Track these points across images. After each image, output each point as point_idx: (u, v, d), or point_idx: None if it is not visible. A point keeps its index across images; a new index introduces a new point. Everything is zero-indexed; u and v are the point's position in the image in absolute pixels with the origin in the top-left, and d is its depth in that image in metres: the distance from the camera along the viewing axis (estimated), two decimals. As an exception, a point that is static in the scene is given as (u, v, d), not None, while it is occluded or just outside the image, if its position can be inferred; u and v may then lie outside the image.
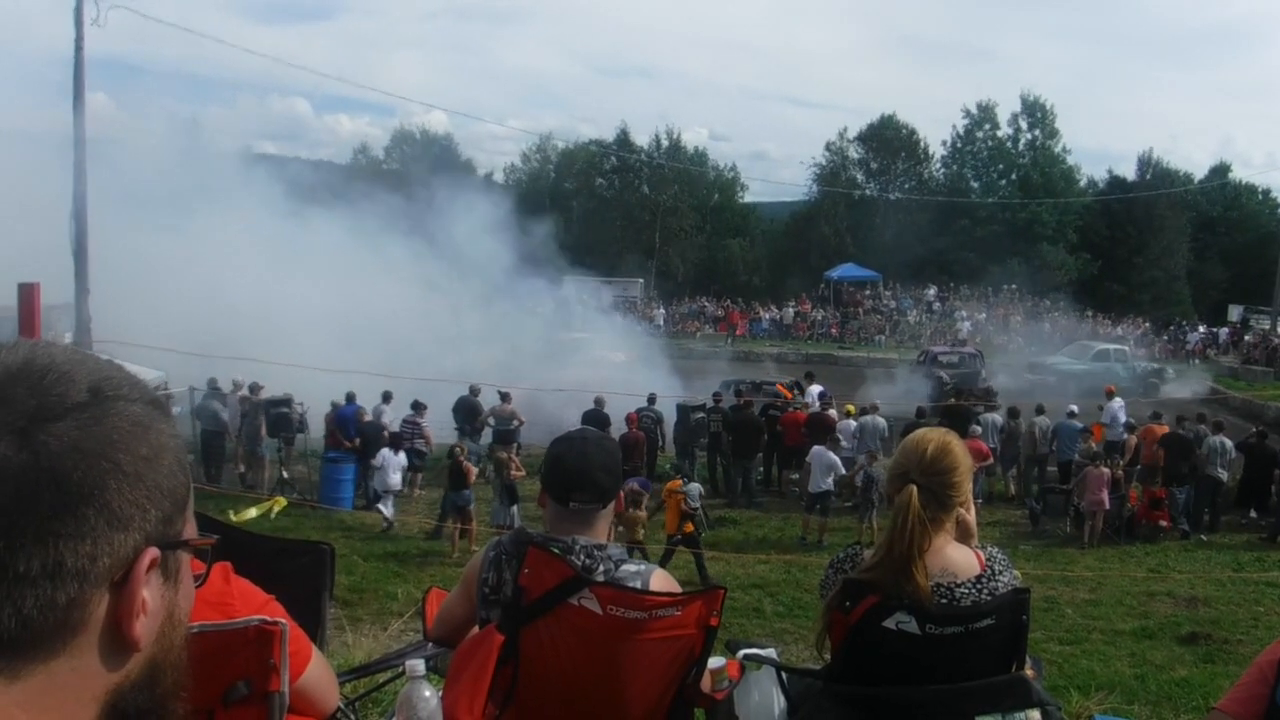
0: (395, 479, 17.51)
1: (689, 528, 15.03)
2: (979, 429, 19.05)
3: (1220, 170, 69.35)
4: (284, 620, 2.19)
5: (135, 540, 0.94)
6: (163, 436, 1.00)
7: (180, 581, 1.02)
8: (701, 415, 20.00)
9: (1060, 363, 28.45)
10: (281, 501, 17.23)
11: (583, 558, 2.72)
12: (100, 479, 0.92)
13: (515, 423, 19.63)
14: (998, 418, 20.54)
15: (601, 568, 2.72)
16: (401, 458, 17.61)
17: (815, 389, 22.96)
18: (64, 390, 0.95)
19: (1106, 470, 17.15)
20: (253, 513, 14.95)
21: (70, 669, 0.92)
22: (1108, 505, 16.96)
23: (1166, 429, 19.16)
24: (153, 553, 0.95)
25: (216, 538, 1.13)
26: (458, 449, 16.78)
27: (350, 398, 19.60)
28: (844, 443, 18.74)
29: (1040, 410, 20.49)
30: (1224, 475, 18.32)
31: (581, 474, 2.81)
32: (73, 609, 0.91)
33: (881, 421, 19.77)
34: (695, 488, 15.86)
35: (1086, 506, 17.01)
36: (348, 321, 37.37)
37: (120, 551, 0.93)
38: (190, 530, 1.05)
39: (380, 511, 17.21)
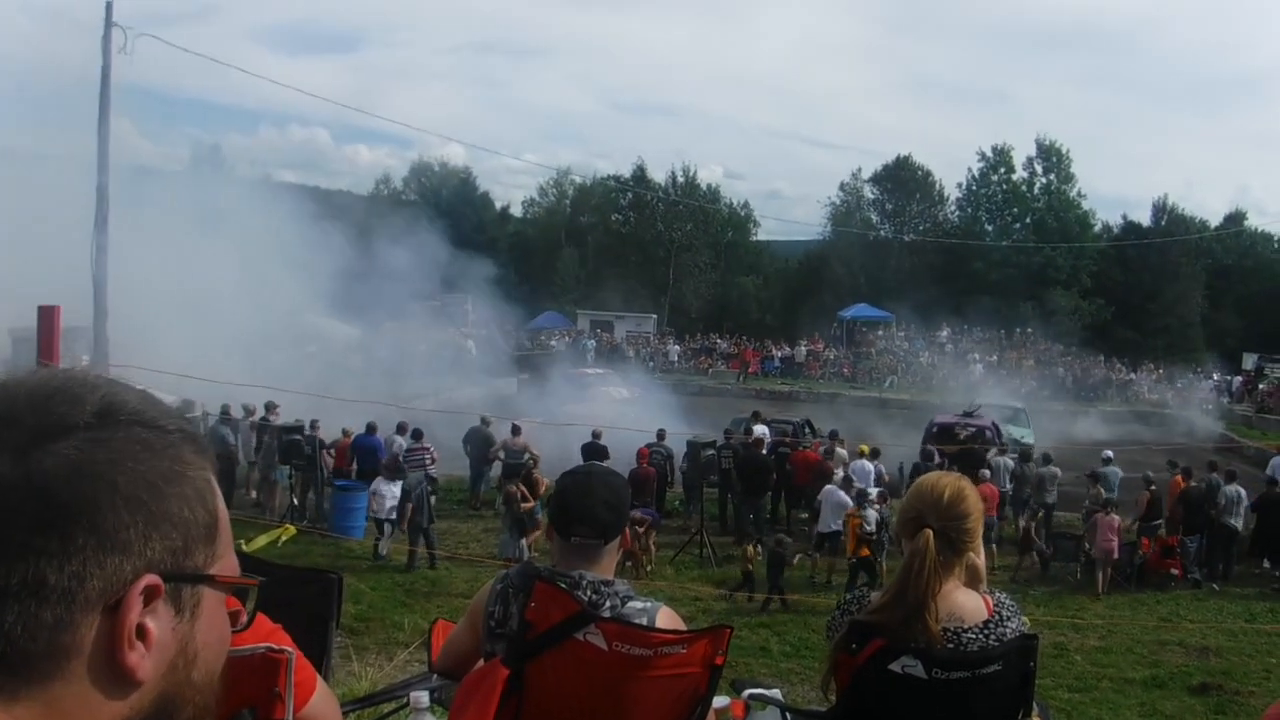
0: (391, 508, 17.50)
1: (865, 551, 15.77)
2: (988, 473, 18.92)
3: (1236, 218, 69.24)
4: (290, 649, 2.19)
5: (134, 565, 0.93)
6: (180, 465, 0.99)
7: (200, 616, 1.00)
8: (712, 452, 19.95)
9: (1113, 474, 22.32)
10: (291, 529, 17.26)
11: (589, 593, 2.72)
12: (94, 499, 0.91)
13: (526, 456, 19.64)
14: (1009, 461, 20.42)
15: (608, 603, 2.72)
16: (395, 488, 17.53)
17: (760, 429, 22.61)
18: (69, 411, 0.95)
19: (1116, 517, 17.03)
20: (263, 540, 14.97)
21: (71, 694, 0.91)
22: (1117, 553, 16.82)
23: (1186, 484, 19.00)
24: (150, 579, 0.93)
25: (260, 580, 1.12)
26: (515, 490, 16.80)
27: (371, 428, 19.64)
28: (857, 483, 18.62)
29: (1048, 459, 20.38)
30: (1239, 525, 18.19)
31: (584, 509, 2.81)
32: (61, 630, 0.90)
33: (879, 467, 19.99)
34: (873, 513, 16.22)
35: (1096, 554, 16.88)
36: (363, 353, 37.60)
37: (114, 575, 0.92)
38: (225, 567, 1.03)
39: (377, 543, 17.20)
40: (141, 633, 0.94)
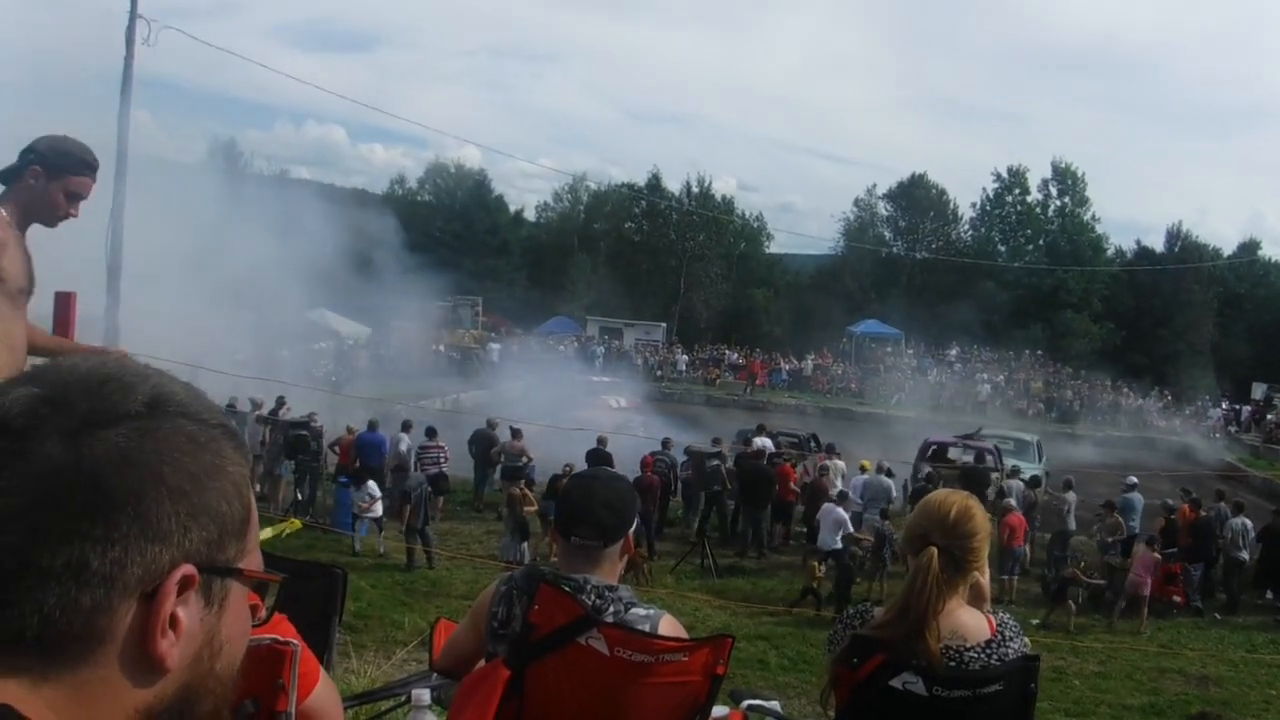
0: (378, 507, 17.61)
1: None
2: (1013, 501, 18.75)
3: (1249, 247, 69.08)
4: (295, 641, 2.20)
5: (172, 555, 0.94)
6: (221, 460, 1.00)
7: (226, 609, 1.01)
8: (716, 462, 19.95)
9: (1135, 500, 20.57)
10: (296, 523, 17.25)
11: (593, 598, 2.72)
12: (140, 488, 0.93)
13: (525, 459, 19.68)
14: (1019, 484, 20.30)
15: (611, 609, 2.72)
16: (373, 487, 17.69)
17: (763, 441, 22.57)
18: (121, 399, 0.96)
19: (1157, 555, 16.82)
20: (268, 533, 14.96)
21: (99, 679, 0.92)
22: (1148, 591, 16.60)
23: (1195, 513, 18.95)
24: (186, 569, 0.95)
25: (283, 577, 1.14)
26: (518, 493, 16.87)
27: (373, 425, 19.72)
28: (853, 497, 18.60)
29: (1068, 485, 20.30)
30: (1245, 556, 18.13)
31: (584, 510, 2.81)
32: (98, 614, 0.91)
33: (889, 482, 19.74)
34: None
35: (1128, 587, 16.60)
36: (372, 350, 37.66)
37: (153, 564, 0.93)
38: (251, 562, 1.04)
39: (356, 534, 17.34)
40: (173, 622, 0.95)
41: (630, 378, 42.88)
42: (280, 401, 20.45)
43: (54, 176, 3.56)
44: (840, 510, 17.12)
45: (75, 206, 3.68)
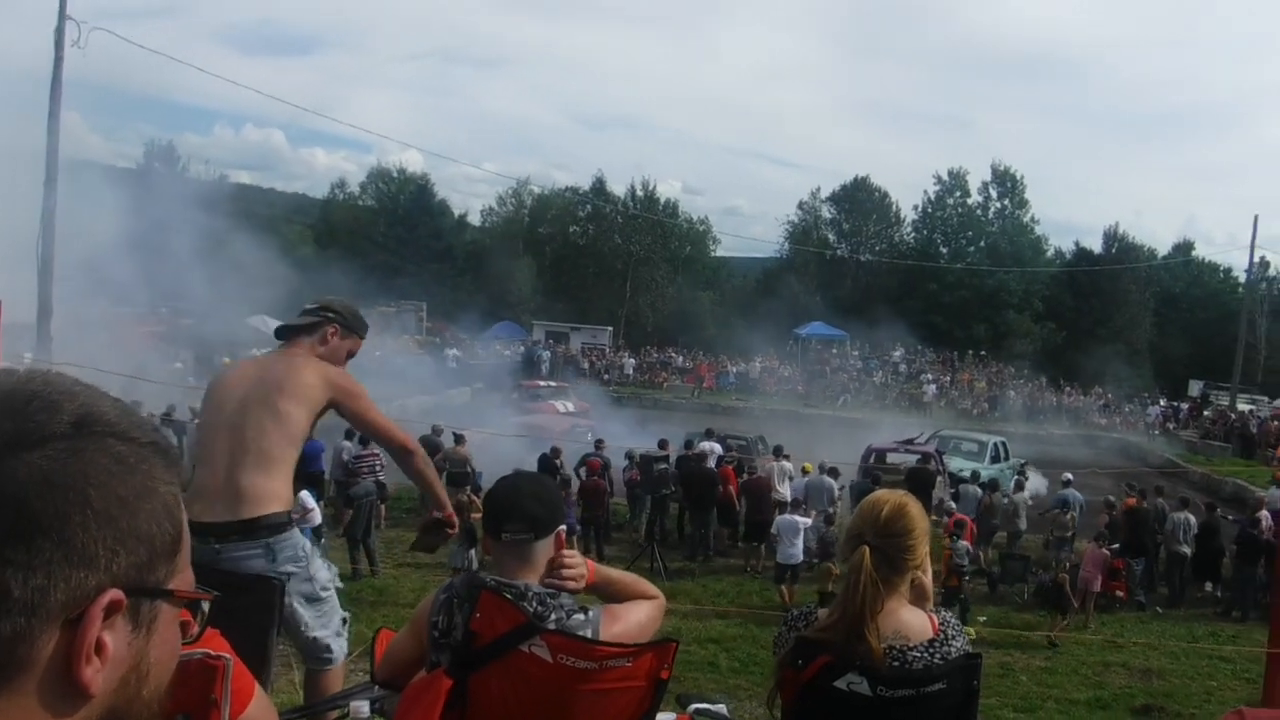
0: (314, 517, 17.39)
1: (955, 581, 15.61)
2: (955, 505, 18.92)
3: (1184, 248, 70.69)
4: (228, 655, 2.15)
5: (98, 580, 0.91)
6: (151, 480, 0.97)
7: (155, 631, 0.98)
8: (664, 466, 19.95)
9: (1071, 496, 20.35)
10: (235, 535, 17.05)
11: (535, 604, 2.69)
12: (64, 512, 0.90)
13: (468, 467, 19.57)
14: (976, 489, 20.49)
15: (554, 615, 2.69)
16: (306, 497, 17.50)
17: (710, 445, 22.50)
18: (45, 419, 0.93)
19: (1106, 551, 17.03)
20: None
21: (19, 707, 0.89)
22: (1098, 587, 16.81)
23: (1137, 505, 19.32)
24: (113, 594, 0.91)
25: (215, 594, 1.10)
26: (464, 499, 16.74)
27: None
28: (806, 504, 18.56)
29: (1020, 486, 20.57)
30: (1188, 551, 18.44)
31: (511, 504, 2.79)
32: (19, 642, 0.88)
33: (831, 482, 19.69)
34: (964, 545, 16.14)
35: (1079, 584, 16.75)
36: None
37: (78, 589, 0.90)
38: (182, 582, 1.01)
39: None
40: (99, 647, 0.92)
41: (577, 382, 42.82)
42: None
43: (346, 336, 4.30)
44: (798, 519, 17.07)
45: (347, 362, 4.36)
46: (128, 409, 1.01)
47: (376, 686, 3.11)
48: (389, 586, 16.00)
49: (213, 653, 2.13)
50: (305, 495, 17.43)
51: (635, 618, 2.85)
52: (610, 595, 2.94)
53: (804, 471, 20.19)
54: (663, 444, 21.08)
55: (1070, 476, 20.96)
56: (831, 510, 18.11)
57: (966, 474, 21.98)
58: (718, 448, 22.44)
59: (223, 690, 2.13)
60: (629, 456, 20.93)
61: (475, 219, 77.34)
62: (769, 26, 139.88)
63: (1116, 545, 17.72)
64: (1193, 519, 18.65)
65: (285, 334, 4.24)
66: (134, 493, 0.95)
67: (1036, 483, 22.17)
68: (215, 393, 3.89)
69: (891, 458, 24.00)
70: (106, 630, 0.92)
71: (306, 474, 18.49)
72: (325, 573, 3.97)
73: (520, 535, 2.77)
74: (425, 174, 70.29)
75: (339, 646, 4.17)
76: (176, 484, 1.02)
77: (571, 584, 2.84)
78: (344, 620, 4.08)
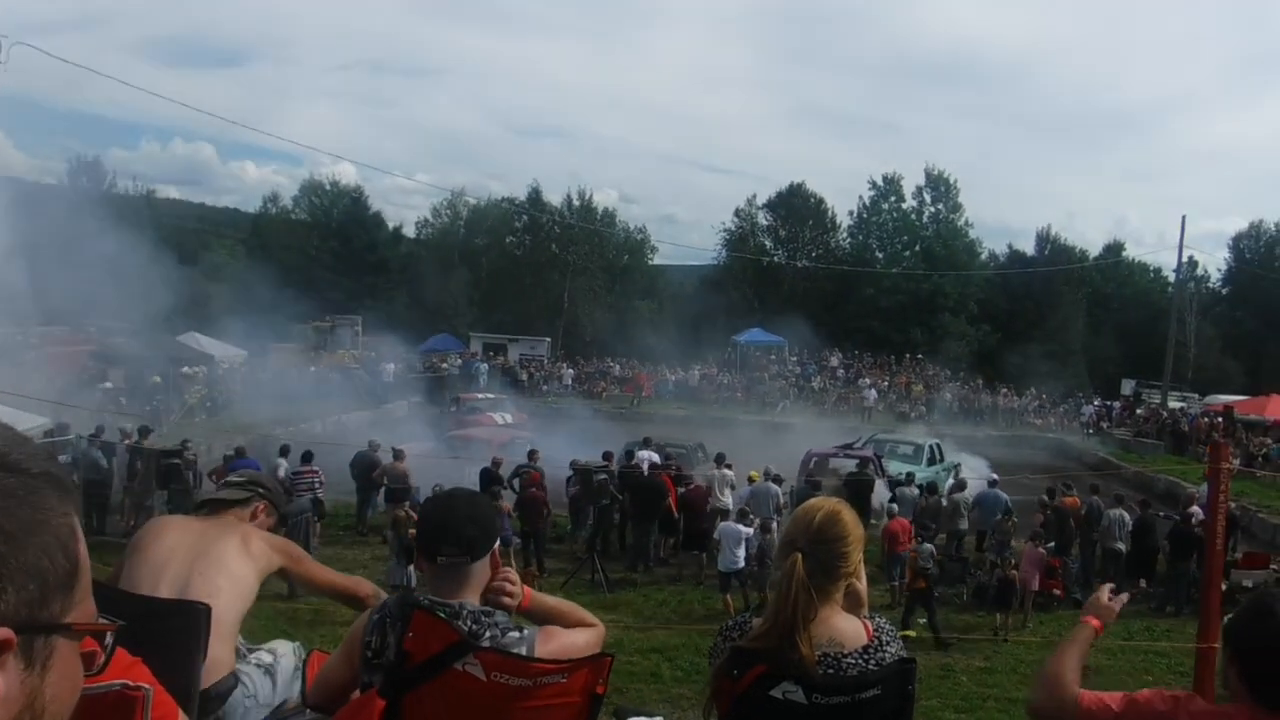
0: None
1: (922, 584, 15.84)
2: (896, 508, 19.11)
3: (1115, 248, 72.11)
4: (148, 684, 2.09)
5: None
6: (42, 513, 0.93)
7: (51, 668, 0.94)
8: (604, 476, 19.90)
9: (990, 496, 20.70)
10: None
11: (469, 623, 2.66)
12: None
13: (408, 481, 19.40)
14: (914, 491, 20.68)
15: (488, 634, 2.66)
16: None
17: (646, 454, 22.33)
18: None
19: (1043, 550, 17.25)
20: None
21: None
22: (1036, 586, 17.03)
23: (1077, 501, 19.70)
24: (3, 633, 0.88)
25: (119, 624, 1.06)
26: (403, 515, 16.56)
27: (240, 451, 19.33)
28: (752, 514, 18.48)
29: (962, 485, 20.81)
30: (1123, 548, 18.75)
31: (445, 527, 2.75)
32: None
33: (776, 489, 19.67)
34: (928, 547, 16.37)
35: (1018, 584, 16.90)
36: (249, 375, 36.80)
37: None
38: (81, 614, 0.97)
39: None
40: None
41: (515, 393, 42.66)
42: (144, 431, 19.84)
43: (271, 514, 4.24)
44: (740, 527, 17.09)
45: None
46: (17, 438, 0.97)
47: (308, 710, 3.06)
48: (326, 606, 15.76)
49: (131, 683, 2.07)
50: None
51: (572, 639, 2.83)
52: (548, 623, 2.91)
53: (750, 480, 20.15)
54: (607, 456, 21.02)
55: (996, 477, 21.23)
56: (773, 519, 18.08)
57: (902, 476, 22.13)
58: (655, 456, 22.37)
59: (143, 720, 2.07)
60: (573, 467, 20.81)
61: (410, 231, 76.97)
62: (702, 35, 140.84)
63: (1052, 544, 18.01)
64: (1127, 516, 19.00)
65: (212, 506, 4.14)
66: (21, 527, 0.91)
67: (976, 484, 22.43)
68: (148, 553, 3.71)
69: (832, 463, 24.13)
70: None
71: None
72: (276, 692, 3.79)
73: (456, 559, 2.74)
74: (359, 186, 69.84)
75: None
76: (71, 514, 0.98)
77: (507, 599, 2.81)
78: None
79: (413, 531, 15.90)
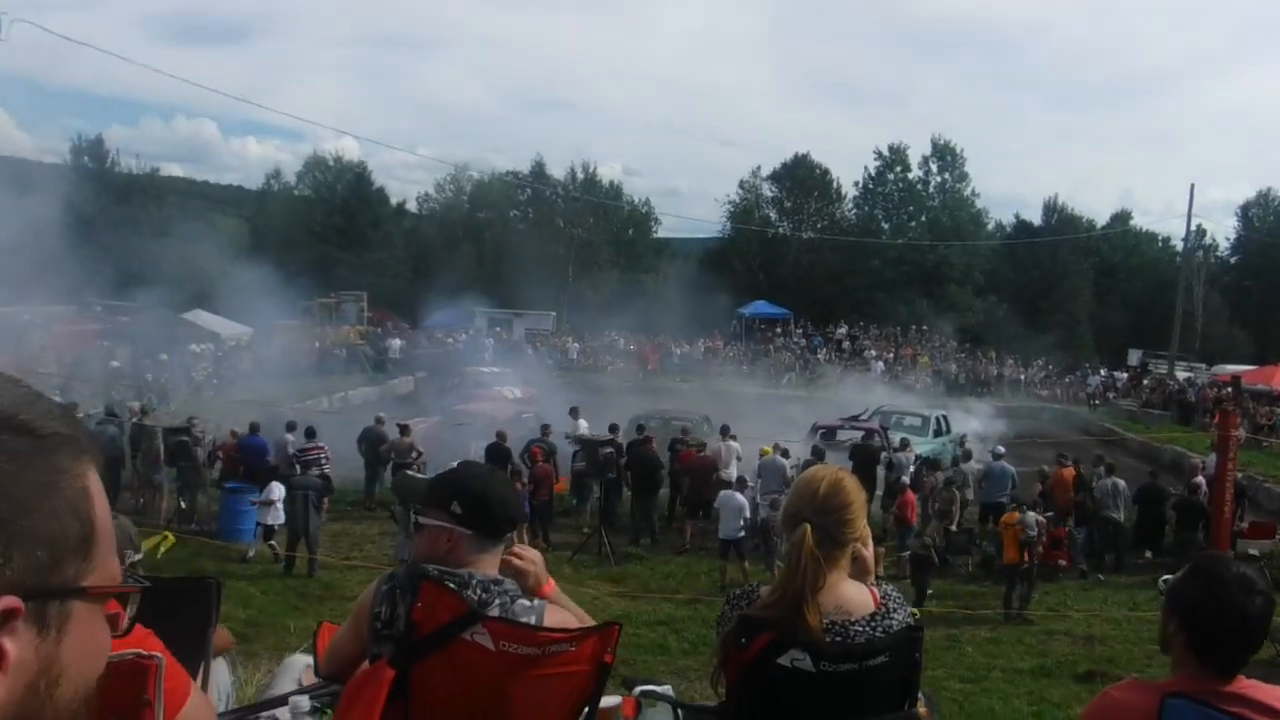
0: (281, 515, 17.04)
1: (1028, 556, 15.59)
2: (907, 480, 19.08)
3: (1122, 217, 71.60)
4: (160, 654, 2.10)
5: None
6: (52, 475, 0.92)
7: (67, 633, 0.93)
8: (610, 450, 19.90)
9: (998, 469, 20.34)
10: (171, 539, 16.77)
11: (478, 592, 2.67)
12: None
13: (415, 454, 19.41)
14: (910, 456, 20.68)
15: (496, 602, 2.67)
16: (278, 487, 17.08)
17: (582, 424, 22.49)
18: None
19: (1043, 519, 17.24)
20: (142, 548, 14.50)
21: None
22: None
23: (1073, 471, 19.69)
24: (7, 601, 0.87)
25: (142, 585, 1.05)
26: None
27: (254, 427, 19.32)
28: (750, 482, 18.54)
29: (968, 456, 20.78)
30: (1119, 516, 18.76)
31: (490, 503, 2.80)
32: None
33: (783, 462, 19.62)
34: (1032, 516, 16.05)
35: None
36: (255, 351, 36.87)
37: None
38: (101, 576, 0.96)
39: (273, 548, 16.78)
40: None
41: (522, 367, 42.64)
42: (146, 409, 19.86)
43: None
44: (740, 496, 17.10)
45: None
46: (29, 396, 0.95)
47: (320, 680, 3.08)
48: (335, 581, 15.86)
49: (144, 652, 2.08)
50: (275, 486, 17.14)
51: (580, 613, 2.86)
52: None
53: (761, 454, 20.08)
54: (613, 428, 21.03)
55: (1002, 449, 21.23)
56: (781, 494, 18.05)
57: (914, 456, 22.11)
58: (584, 425, 22.55)
59: (156, 691, 2.08)
60: (578, 440, 20.78)
61: (413, 206, 76.71)
62: (706, 4, 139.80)
63: (1051, 514, 18.02)
64: (1121, 484, 18.97)
65: None
66: (29, 490, 0.90)
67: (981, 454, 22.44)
68: None
69: (839, 435, 24.07)
70: (7, 637, 0.87)
71: (259, 467, 18.25)
72: None
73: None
74: (362, 161, 69.55)
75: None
76: (87, 475, 0.97)
77: (529, 567, 2.85)
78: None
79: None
